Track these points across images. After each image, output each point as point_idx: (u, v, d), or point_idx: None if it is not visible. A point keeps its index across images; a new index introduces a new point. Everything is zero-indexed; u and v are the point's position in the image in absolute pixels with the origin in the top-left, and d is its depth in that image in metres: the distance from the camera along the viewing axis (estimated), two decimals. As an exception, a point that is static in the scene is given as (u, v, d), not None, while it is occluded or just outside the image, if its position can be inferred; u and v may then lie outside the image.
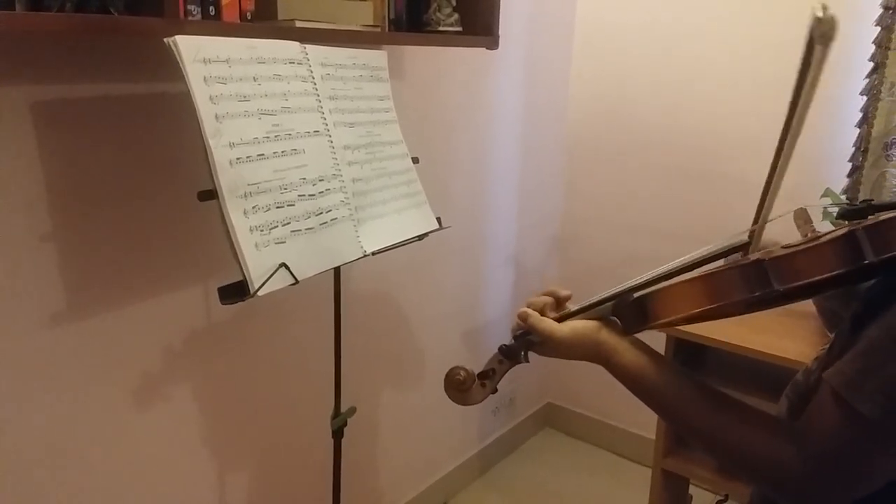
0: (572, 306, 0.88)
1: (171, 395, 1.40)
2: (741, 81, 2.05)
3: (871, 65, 1.76)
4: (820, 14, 0.67)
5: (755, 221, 0.80)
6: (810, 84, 0.69)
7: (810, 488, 0.70)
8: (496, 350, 0.91)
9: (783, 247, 0.73)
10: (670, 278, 0.80)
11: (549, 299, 0.89)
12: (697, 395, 0.78)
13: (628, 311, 0.81)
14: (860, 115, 1.79)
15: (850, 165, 1.84)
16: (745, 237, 0.80)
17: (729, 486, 1.79)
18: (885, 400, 0.64)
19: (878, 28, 1.73)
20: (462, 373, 0.89)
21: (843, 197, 1.79)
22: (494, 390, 0.90)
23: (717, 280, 0.74)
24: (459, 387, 0.89)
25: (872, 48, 1.75)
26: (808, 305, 1.63)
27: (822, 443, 0.68)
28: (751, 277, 0.71)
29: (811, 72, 0.69)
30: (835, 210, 1.63)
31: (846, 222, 0.76)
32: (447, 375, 0.90)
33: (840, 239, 0.67)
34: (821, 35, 0.67)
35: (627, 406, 2.36)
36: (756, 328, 1.64)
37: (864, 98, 1.78)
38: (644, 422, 2.29)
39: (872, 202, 0.72)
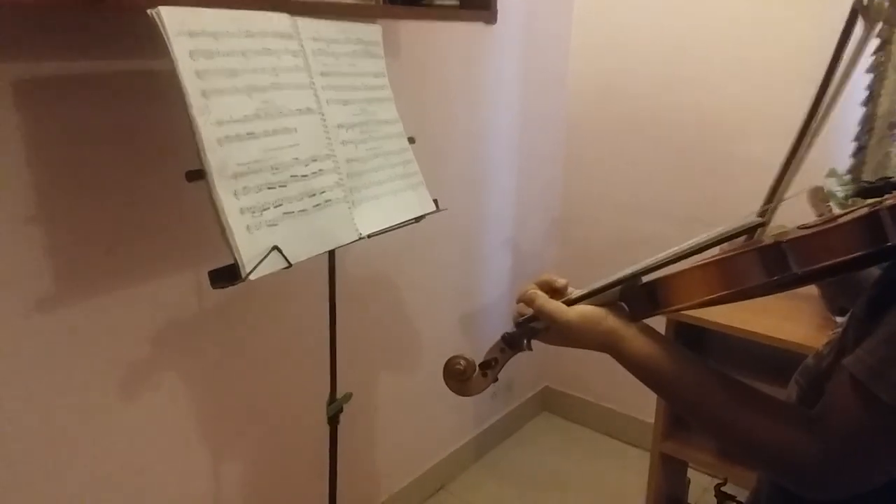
0: (576, 291, 0.85)
1: (163, 381, 1.37)
2: (747, 58, 2.01)
3: (878, 41, 1.72)
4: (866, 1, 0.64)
5: (767, 201, 0.77)
6: (848, 61, 0.66)
7: (827, 477, 0.68)
8: (498, 338, 0.87)
9: (799, 227, 0.70)
10: (680, 261, 0.77)
11: (545, 288, 0.85)
12: (709, 382, 0.75)
13: (637, 296, 0.78)
14: (866, 93, 1.76)
15: (854, 145, 1.81)
16: (759, 218, 0.77)
17: (727, 470, 1.78)
18: None
19: (886, 4, 1.69)
20: (462, 362, 0.85)
21: (847, 177, 1.76)
22: (495, 380, 0.87)
23: (733, 264, 0.70)
24: (459, 377, 0.85)
25: (879, 25, 1.71)
26: (810, 288, 1.62)
27: (841, 431, 0.66)
28: (769, 261, 0.68)
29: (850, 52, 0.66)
30: (838, 190, 1.60)
31: (850, 201, 0.73)
32: (446, 365, 0.86)
33: (863, 219, 0.64)
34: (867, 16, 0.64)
35: (625, 390, 2.37)
36: (758, 311, 1.62)
37: (870, 76, 1.74)
38: (642, 406, 2.28)
39: (892, 179, 0.69)
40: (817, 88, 0.72)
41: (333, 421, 1.42)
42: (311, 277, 1.43)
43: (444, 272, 2.08)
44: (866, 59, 1.74)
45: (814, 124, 0.71)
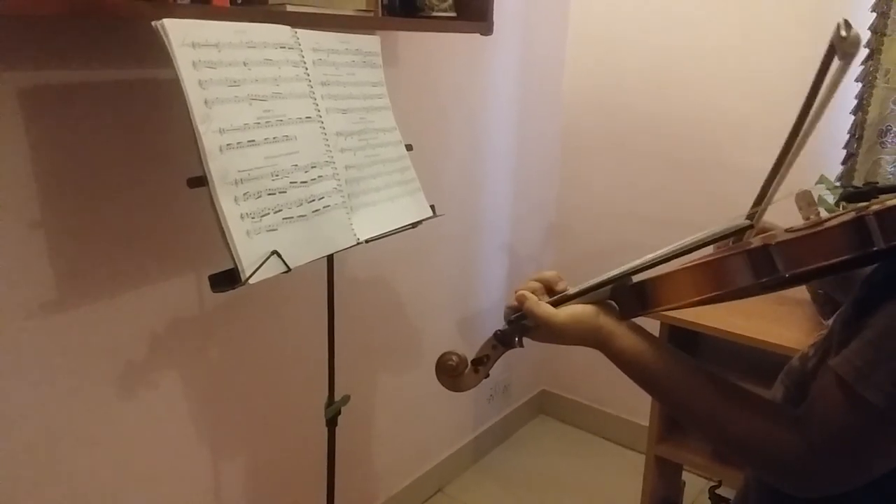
0: (569, 289, 0.86)
1: (164, 384, 1.39)
2: (737, 70, 2.04)
3: (867, 51, 1.75)
4: (844, 34, 0.67)
5: (755, 204, 0.79)
6: (825, 93, 0.68)
7: (813, 475, 0.69)
8: (490, 335, 0.89)
9: (786, 230, 0.71)
10: (669, 261, 0.78)
11: (538, 285, 0.87)
12: (698, 380, 0.77)
13: (627, 295, 0.79)
14: (855, 101, 1.79)
15: (844, 152, 1.84)
16: (747, 220, 0.78)
17: (722, 472, 1.80)
18: (893, 388, 0.64)
19: (874, 14, 1.72)
20: (454, 358, 0.87)
21: (837, 184, 1.79)
22: (487, 375, 0.88)
23: (721, 266, 0.71)
24: (451, 372, 0.87)
25: (868, 34, 1.74)
26: (800, 291, 1.64)
27: (827, 430, 0.68)
28: (756, 263, 0.69)
29: (827, 84, 0.68)
30: (828, 196, 1.63)
31: (843, 206, 0.75)
32: (439, 361, 0.88)
33: (849, 224, 0.65)
34: (843, 53, 0.66)
35: (621, 393, 2.39)
36: (749, 314, 1.64)
37: (860, 85, 1.77)
38: (638, 408, 2.30)
39: (877, 185, 0.70)
40: (803, 101, 0.74)
41: (332, 423, 1.43)
42: (310, 282, 1.45)
43: (441, 276, 2.10)
44: (852, 80, 1.76)
45: (801, 133, 0.73)
